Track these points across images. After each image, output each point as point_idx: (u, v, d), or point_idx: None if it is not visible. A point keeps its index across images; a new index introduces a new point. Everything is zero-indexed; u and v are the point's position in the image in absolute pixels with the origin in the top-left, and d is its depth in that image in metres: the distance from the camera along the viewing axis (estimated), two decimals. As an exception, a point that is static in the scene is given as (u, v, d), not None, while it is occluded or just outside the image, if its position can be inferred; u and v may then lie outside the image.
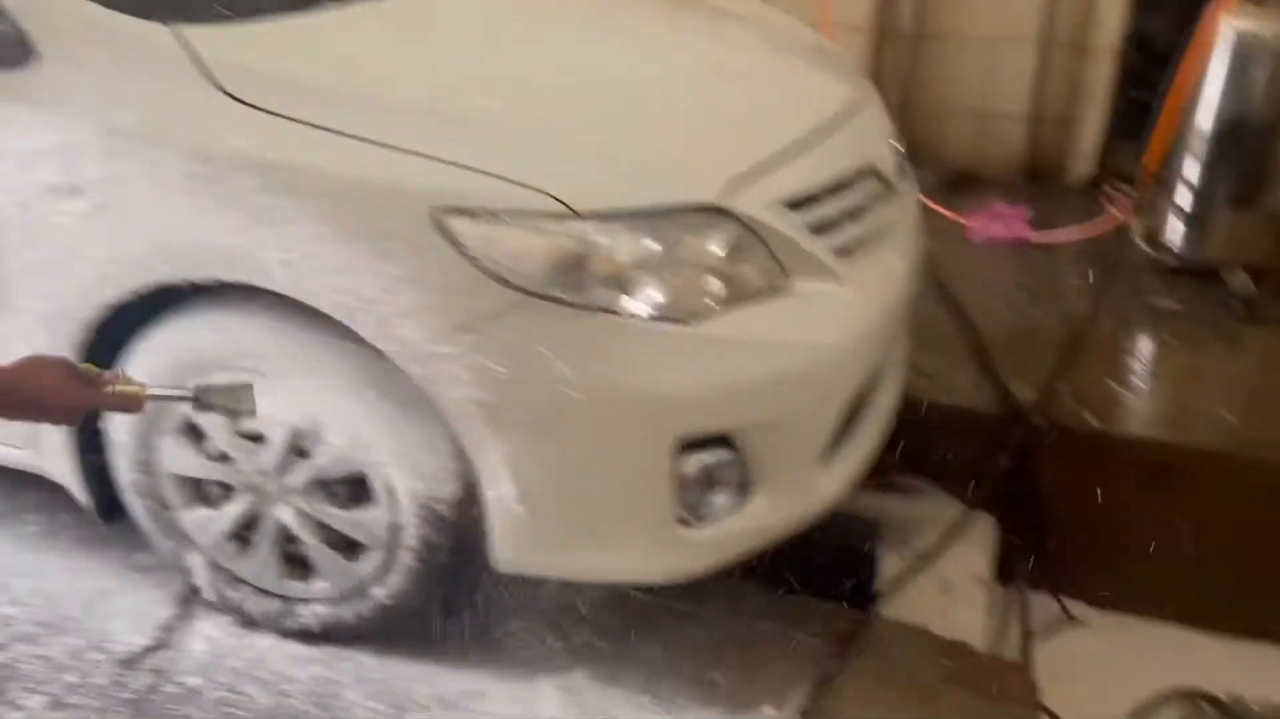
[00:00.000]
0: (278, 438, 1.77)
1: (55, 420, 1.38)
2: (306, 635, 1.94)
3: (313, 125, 1.58)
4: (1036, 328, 3.06)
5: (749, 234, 1.71)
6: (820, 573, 2.18)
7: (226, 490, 1.88)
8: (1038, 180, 4.08)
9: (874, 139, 2.07)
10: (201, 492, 1.90)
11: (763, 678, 1.92)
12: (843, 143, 1.98)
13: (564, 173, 1.60)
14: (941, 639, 2.09)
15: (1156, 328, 3.06)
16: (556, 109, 1.71)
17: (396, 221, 1.56)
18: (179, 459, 1.86)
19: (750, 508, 1.79)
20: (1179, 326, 3.03)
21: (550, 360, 1.58)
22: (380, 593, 1.87)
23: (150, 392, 1.39)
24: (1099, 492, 2.62)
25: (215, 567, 1.94)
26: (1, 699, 1.80)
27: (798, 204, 1.80)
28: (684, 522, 1.74)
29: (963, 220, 3.70)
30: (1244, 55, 3.02)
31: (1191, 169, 3.17)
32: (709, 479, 1.74)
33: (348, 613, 1.90)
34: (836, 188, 1.90)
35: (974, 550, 2.48)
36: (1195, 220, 3.19)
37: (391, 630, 1.93)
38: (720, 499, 1.77)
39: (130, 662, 1.90)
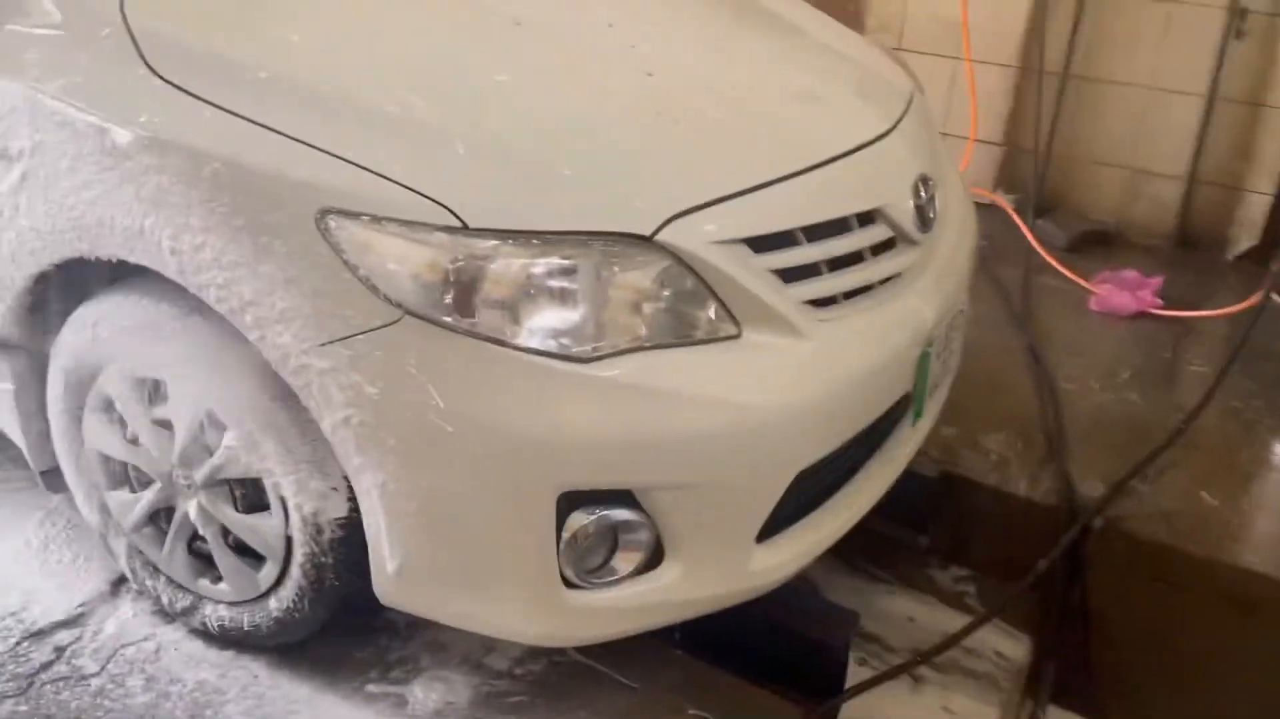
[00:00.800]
0: (182, 429, 1.71)
1: None
2: (208, 636, 1.87)
3: (214, 105, 1.50)
4: (1131, 416, 2.67)
5: (685, 272, 1.51)
6: (776, 659, 1.94)
7: (144, 476, 1.83)
8: (1186, 248, 3.60)
9: (891, 180, 1.80)
10: (125, 474, 1.86)
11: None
12: (844, 182, 1.74)
13: (465, 182, 1.45)
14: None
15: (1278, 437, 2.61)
16: (484, 111, 1.55)
17: (280, 217, 1.45)
18: (102, 438, 1.82)
19: (660, 578, 1.58)
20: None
21: (423, 386, 1.43)
22: (274, 605, 1.77)
23: None
24: (1160, 615, 2.25)
25: (136, 552, 1.90)
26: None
27: (765, 246, 1.58)
28: (571, 583, 1.54)
29: (1086, 284, 3.30)
30: None
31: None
32: (607, 540, 1.55)
33: (245, 620, 1.81)
34: (822, 231, 1.66)
35: (991, 665, 2.15)
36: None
37: (290, 646, 1.83)
38: (621, 563, 1.57)
39: (39, 634, 1.88)
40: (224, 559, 1.79)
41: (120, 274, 1.71)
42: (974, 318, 3.12)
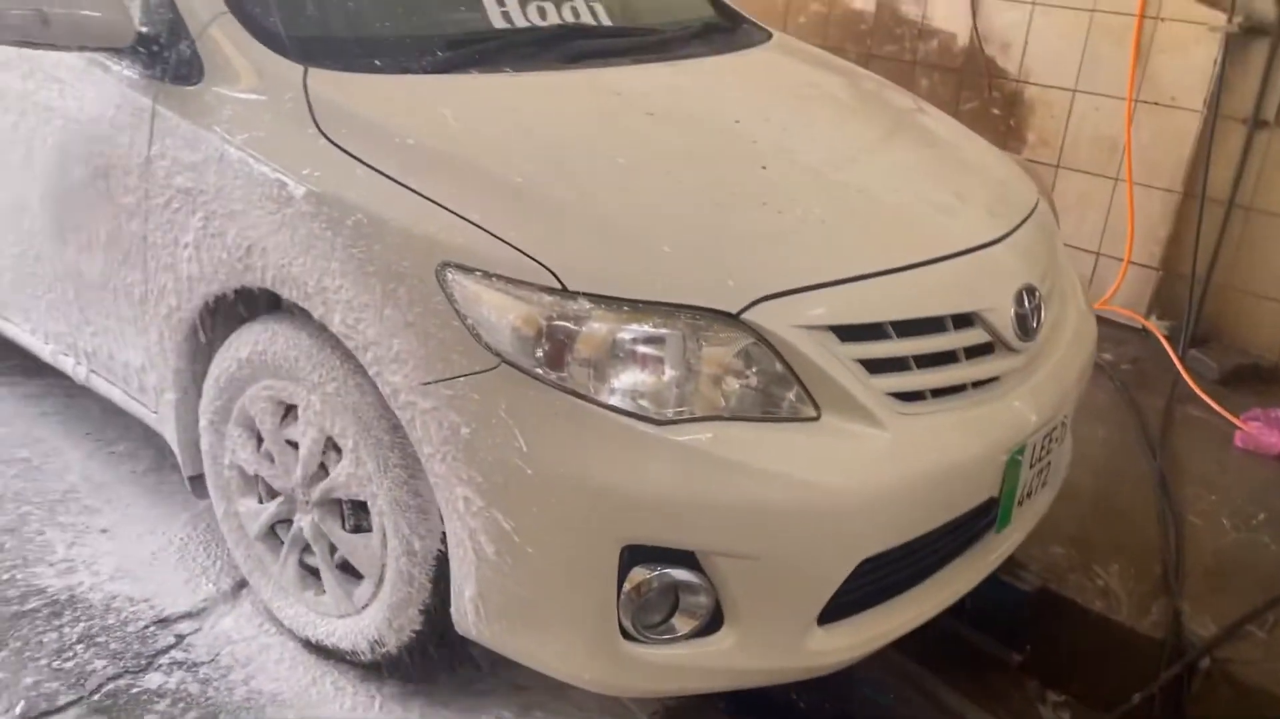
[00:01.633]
0: (305, 450, 1.89)
1: None
2: (307, 644, 2.03)
3: (365, 164, 1.70)
4: (1258, 560, 2.53)
5: (768, 352, 1.59)
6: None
7: (270, 489, 2.02)
8: (1352, 393, 3.39)
9: (993, 286, 1.84)
10: (255, 486, 2.06)
11: None
12: (940, 283, 1.79)
13: (569, 248, 1.59)
14: None
15: None
16: (599, 187, 1.70)
17: (406, 266, 1.62)
18: (240, 451, 2.03)
19: (717, 643, 1.64)
20: None
21: (510, 429, 1.56)
22: (366, 622, 1.91)
23: None
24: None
25: (256, 559, 2.09)
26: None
27: (852, 335, 1.65)
28: (630, 635, 1.62)
29: (1234, 420, 3.16)
30: None
31: None
32: (668, 598, 1.62)
33: (340, 634, 1.96)
34: (914, 328, 1.72)
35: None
36: None
37: (378, 664, 1.96)
38: (680, 623, 1.63)
39: (164, 621, 2.08)
40: (328, 574, 1.95)
41: (271, 306, 1.93)
42: (1108, 442, 3.05)
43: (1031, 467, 1.91)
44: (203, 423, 2.08)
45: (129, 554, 2.26)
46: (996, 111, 4.10)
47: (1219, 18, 3.44)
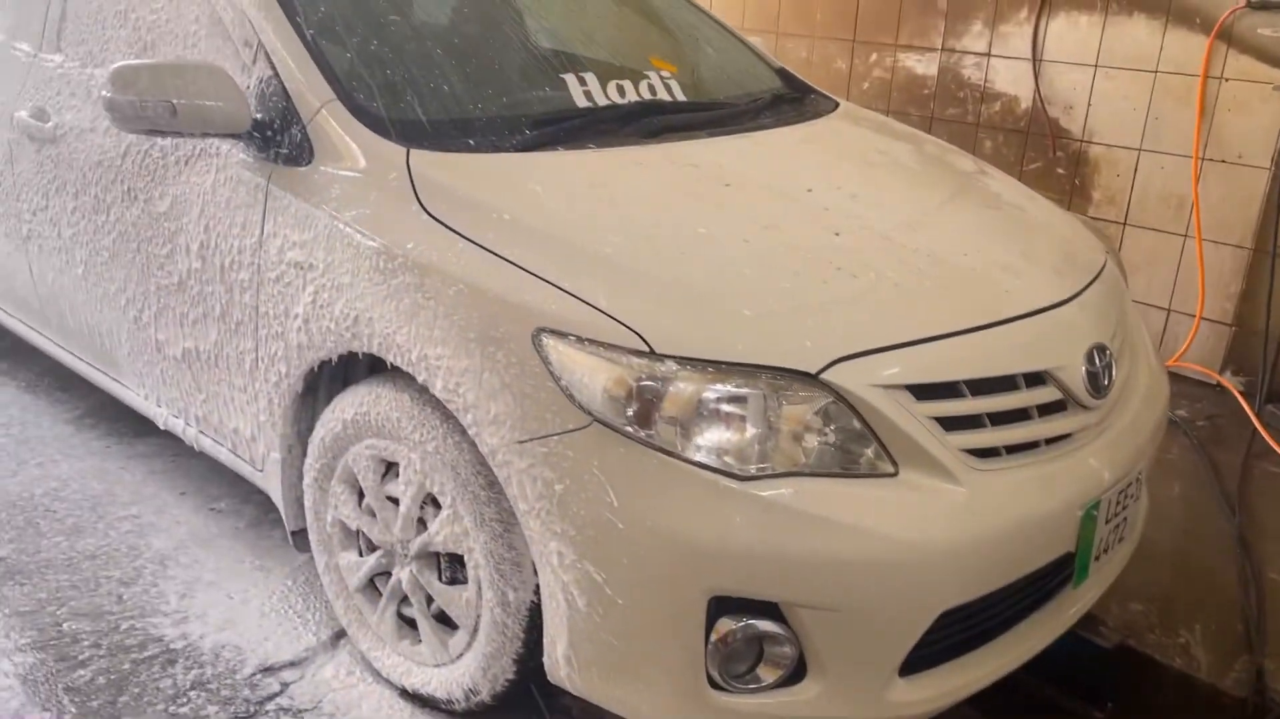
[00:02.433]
0: (405, 505, 2.00)
1: None
2: (404, 693, 2.12)
3: (465, 238, 1.83)
4: (1347, 618, 2.51)
5: (846, 411, 1.67)
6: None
7: (370, 543, 2.14)
8: None
9: (1063, 345, 1.90)
10: (356, 540, 2.18)
11: None
12: (1013, 343, 1.85)
13: (656, 314, 1.69)
14: None
15: None
16: (682, 255, 1.81)
17: (503, 332, 1.74)
18: (342, 506, 2.15)
19: (801, 693, 1.70)
20: None
21: (602, 485, 1.65)
22: (461, 672, 2.00)
23: None
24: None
25: (355, 609, 2.20)
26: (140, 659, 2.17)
27: (928, 394, 1.72)
28: (717, 684, 1.69)
29: (1315, 476, 3.14)
30: None
31: None
32: (753, 648, 1.68)
33: (435, 683, 2.05)
34: (987, 386, 1.78)
35: None
36: None
37: (474, 713, 2.04)
38: (765, 673, 1.70)
39: (270, 669, 2.19)
40: (425, 624, 2.05)
41: (372, 369, 2.07)
42: (1185, 499, 3.04)
43: (1107, 522, 1.95)
44: (307, 480, 2.21)
45: (235, 605, 2.38)
46: (1061, 171, 4.16)
47: (1281, 77, 3.48)
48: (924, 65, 4.56)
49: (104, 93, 2.07)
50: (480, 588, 1.92)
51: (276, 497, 2.32)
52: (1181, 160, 3.81)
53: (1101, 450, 1.92)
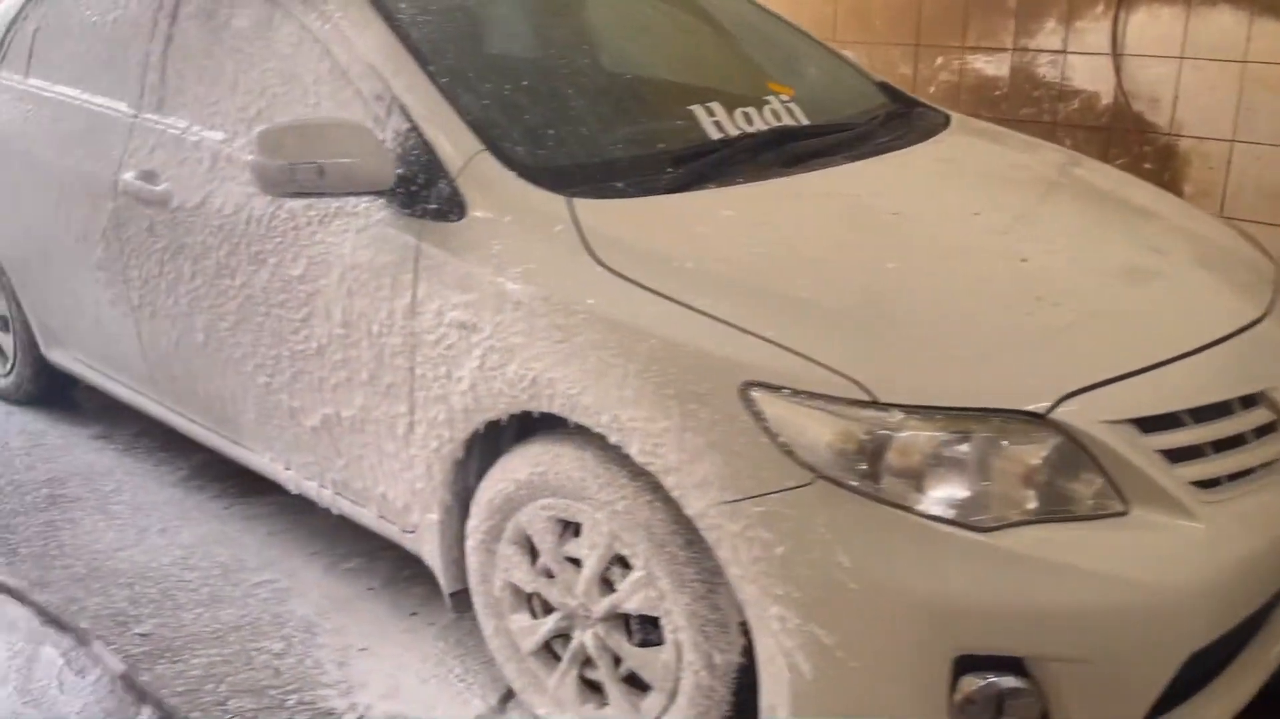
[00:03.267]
0: (590, 566, 1.93)
1: None
2: (590, 761, 2.05)
3: (649, 290, 1.76)
4: None
5: (1076, 450, 1.60)
6: None
7: (546, 604, 2.07)
8: None
9: (1270, 363, 1.82)
10: (528, 602, 2.11)
11: None
12: (1226, 365, 1.78)
13: (874, 361, 1.62)
14: None
15: None
16: (882, 296, 1.74)
17: (706, 388, 1.67)
18: (514, 568, 2.08)
19: (1045, 750, 1.62)
20: None
21: (830, 545, 1.58)
22: (657, 736, 1.93)
23: None
24: None
25: (529, 673, 2.13)
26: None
27: (1152, 426, 1.65)
28: (959, 744, 1.61)
29: None
30: None
31: None
32: (994, 705, 1.61)
33: (628, 748, 1.98)
34: (1208, 413, 1.71)
35: None
36: None
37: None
38: (1008, 730, 1.62)
39: (442, 742, 2.13)
40: (613, 688, 1.98)
41: (545, 425, 1.99)
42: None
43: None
44: (471, 543, 2.14)
45: (394, 672, 2.31)
46: (1149, 166, 4.08)
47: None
48: (994, 66, 4.48)
49: (250, 158, 2.02)
50: (680, 650, 1.84)
51: (433, 560, 2.25)
52: (1278, 150, 3.73)
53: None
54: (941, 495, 1.57)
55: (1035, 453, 1.59)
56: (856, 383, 1.59)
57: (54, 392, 3.69)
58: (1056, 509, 1.59)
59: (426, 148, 2.09)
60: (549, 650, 2.10)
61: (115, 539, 2.86)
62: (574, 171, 2.07)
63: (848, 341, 1.65)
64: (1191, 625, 1.61)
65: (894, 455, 1.57)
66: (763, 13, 3.05)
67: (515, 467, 2.00)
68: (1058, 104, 4.34)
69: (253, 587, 2.65)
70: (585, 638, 1.99)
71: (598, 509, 1.88)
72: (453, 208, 2.04)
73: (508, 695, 2.23)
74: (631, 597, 1.88)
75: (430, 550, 2.25)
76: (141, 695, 2.25)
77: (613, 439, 1.78)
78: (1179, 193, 3.99)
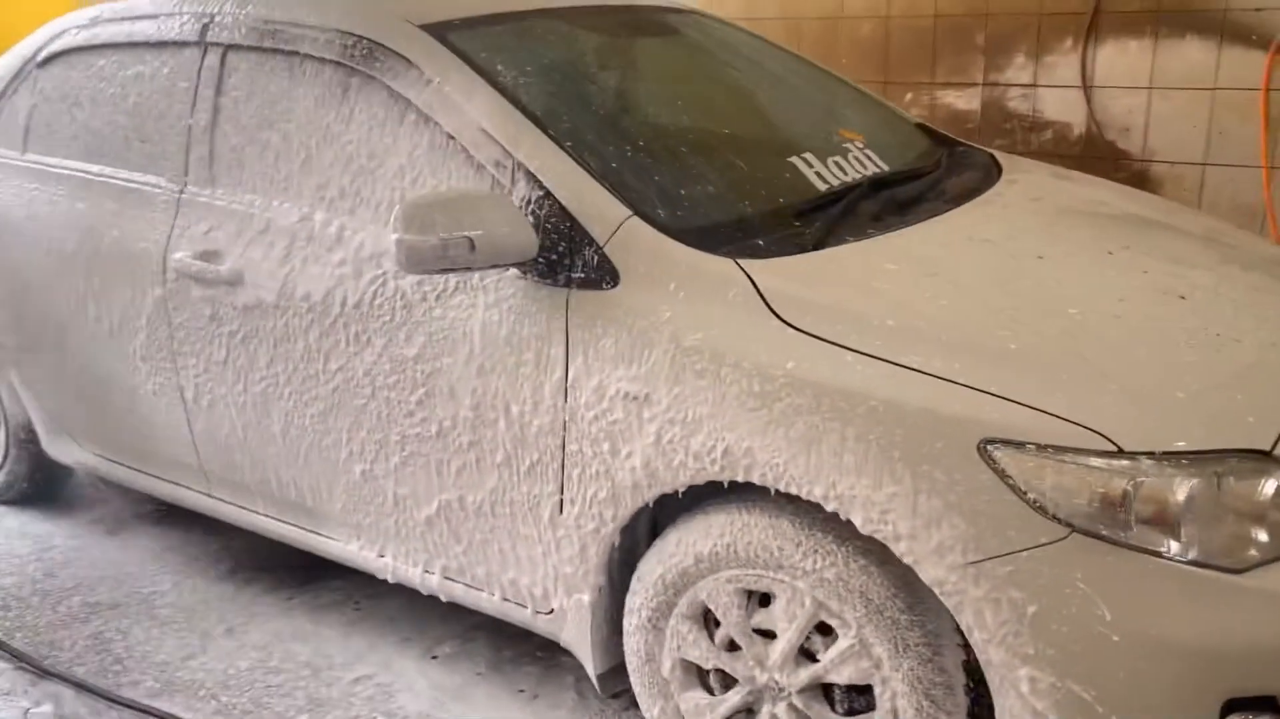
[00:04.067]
0: (787, 636, 1.87)
1: None
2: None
3: (859, 352, 1.73)
4: None
5: (1303, 481, 1.64)
6: None
7: (726, 680, 2.00)
8: None
9: None
10: (703, 678, 2.03)
11: None
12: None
13: (1111, 410, 1.63)
14: None
15: None
16: (1088, 343, 1.76)
17: (938, 449, 1.64)
18: (689, 644, 2.00)
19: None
20: None
21: (1090, 599, 1.57)
22: (867, 807, 1.88)
23: None
24: None
25: (703, 752, 2.05)
26: None
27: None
28: (1224, 788, 1.62)
29: None
30: None
31: None
32: (1255, 744, 1.62)
33: (831, 822, 1.92)
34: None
35: None
36: None
37: None
38: (1266, 769, 1.64)
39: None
40: (813, 760, 1.92)
41: (713, 496, 1.93)
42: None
43: None
44: (633, 622, 2.05)
45: (542, 765, 2.20)
46: (1126, 191, 4.27)
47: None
48: (965, 101, 4.64)
49: (396, 236, 1.90)
50: (896, 716, 1.80)
51: (578, 642, 2.15)
52: (1251, 171, 3.96)
53: None
54: (1190, 540, 1.58)
55: (1267, 489, 1.62)
56: (1100, 434, 1.60)
57: (49, 489, 3.42)
58: (1288, 544, 1.62)
59: (564, 215, 2.02)
60: (728, 727, 2.03)
61: (178, 647, 2.64)
62: (717, 231, 2.03)
63: (1074, 391, 1.66)
64: None
65: (1142, 503, 1.58)
66: (797, 59, 3.08)
67: (692, 539, 1.94)
68: (1030, 135, 4.51)
69: (350, 684, 2.48)
70: (776, 711, 1.93)
71: (799, 578, 1.83)
72: (604, 276, 1.97)
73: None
74: (840, 667, 1.83)
75: (576, 633, 2.15)
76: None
77: (829, 508, 1.74)
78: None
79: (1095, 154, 4.31)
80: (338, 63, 2.35)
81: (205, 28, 2.60)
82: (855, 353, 1.74)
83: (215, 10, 2.60)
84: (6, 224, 2.96)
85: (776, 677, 1.91)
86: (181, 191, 2.59)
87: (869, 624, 1.78)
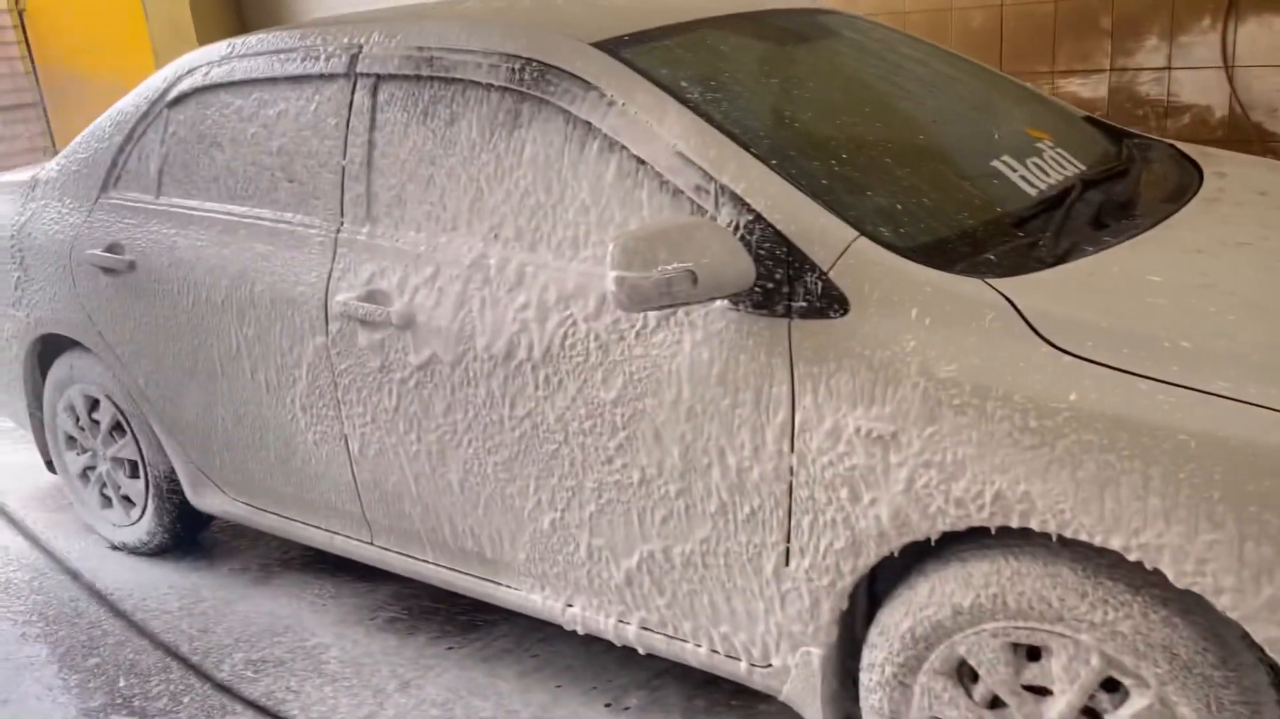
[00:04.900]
0: (1068, 695, 1.70)
1: None
2: None
3: (1156, 379, 1.55)
4: None
5: None
6: None
7: (991, 740, 1.83)
8: None
9: None
10: (959, 738, 1.87)
11: None
12: None
13: None
14: None
15: None
16: None
17: (1268, 489, 1.46)
18: (943, 703, 1.83)
19: None
20: None
21: None
22: None
23: None
24: None
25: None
26: None
27: None
28: None
29: None
30: None
31: None
32: None
33: None
34: None
35: None
36: None
37: None
38: None
39: None
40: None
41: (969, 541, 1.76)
42: None
43: None
44: (873, 678, 1.89)
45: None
46: (1277, 174, 4.03)
47: None
48: (1090, 88, 4.42)
49: (615, 274, 1.76)
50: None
51: (805, 699, 1.99)
52: None
53: None
54: None
55: None
56: None
57: (190, 539, 3.33)
58: None
59: (779, 239, 1.86)
60: (990, 793, 1.85)
61: (353, 706, 2.52)
62: (944, 248, 1.86)
63: None
64: None
65: None
66: (953, 55, 2.90)
67: (949, 590, 1.76)
68: (1165, 121, 4.28)
69: (530, 733, 2.35)
70: (1049, 774, 1.76)
71: (1083, 631, 1.65)
72: (830, 304, 1.81)
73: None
74: (1134, 727, 1.65)
75: (803, 689, 1.99)
76: None
77: (1131, 558, 1.56)
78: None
79: (1240, 137, 4.07)
80: (505, 88, 2.22)
81: (354, 59, 2.48)
82: (1151, 380, 1.56)
83: (363, 40, 2.48)
84: (148, 270, 2.86)
85: (1057, 737, 1.74)
86: (339, 232, 2.48)
87: (1173, 682, 1.60)
